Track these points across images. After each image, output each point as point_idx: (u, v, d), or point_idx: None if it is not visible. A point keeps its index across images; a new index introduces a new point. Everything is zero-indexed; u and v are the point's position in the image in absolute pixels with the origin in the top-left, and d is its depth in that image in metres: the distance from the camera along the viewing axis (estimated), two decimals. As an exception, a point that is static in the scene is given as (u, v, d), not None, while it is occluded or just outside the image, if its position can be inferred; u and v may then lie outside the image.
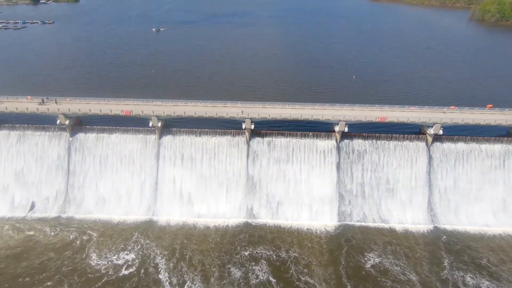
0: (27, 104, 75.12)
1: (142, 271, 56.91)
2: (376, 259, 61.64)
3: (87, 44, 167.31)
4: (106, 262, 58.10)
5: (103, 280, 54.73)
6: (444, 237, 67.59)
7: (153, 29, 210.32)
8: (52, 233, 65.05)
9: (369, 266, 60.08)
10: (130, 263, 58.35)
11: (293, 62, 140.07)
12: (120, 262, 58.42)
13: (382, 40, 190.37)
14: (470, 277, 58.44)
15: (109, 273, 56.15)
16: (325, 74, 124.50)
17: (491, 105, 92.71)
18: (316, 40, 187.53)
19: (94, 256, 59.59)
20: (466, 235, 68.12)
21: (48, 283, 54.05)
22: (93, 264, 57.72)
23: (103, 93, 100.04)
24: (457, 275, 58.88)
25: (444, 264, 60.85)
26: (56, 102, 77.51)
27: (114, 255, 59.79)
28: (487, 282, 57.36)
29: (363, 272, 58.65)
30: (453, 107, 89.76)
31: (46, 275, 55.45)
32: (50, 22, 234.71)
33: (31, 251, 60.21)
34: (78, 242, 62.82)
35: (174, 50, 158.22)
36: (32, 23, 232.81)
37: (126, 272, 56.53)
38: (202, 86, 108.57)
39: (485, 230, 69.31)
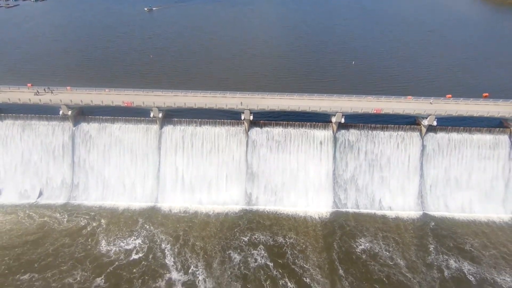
0: (29, 95, 76.15)
1: (150, 256, 60.98)
2: (367, 244, 65.81)
3: (82, 25, 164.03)
4: (115, 248, 62.15)
5: (115, 265, 58.80)
6: (433, 223, 71.57)
7: (145, 9, 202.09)
8: (65, 220, 68.72)
9: (359, 250, 64.30)
10: (137, 248, 62.35)
11: (292, 47, 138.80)
12: (128, 247, 62.46)
13: (383, 21, 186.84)
14: (453, 261, 62.86)
15: (119, 258, 60.22)
16: (324, 60, 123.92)
17: (487, 94, 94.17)
18: (316, 21, 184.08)
19: (103, 242, 63.54)
20: (453, 221, 72.10)
21: (63, 268, 58.09)
22: (103, 249, 61.73)
23: (101, 80, 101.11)
24: (441, 259, 63.28)
25: (430, 249, 65.12)
26: (52, 92, 78.34)
27: (122, 241, 63.76)
28: (468, 266, 61.78)
29: (354, 257, 62.94)
30: (449, 95, 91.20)
31: (61, 260, 59.46)
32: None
33: (46, 237, 63.97)
34: (88, 228, 66.61)
35: (170, 33, 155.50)
36: (24, 0, 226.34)
37: (135, 257, 60.61)
38: (201, 74, 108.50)
39: (472, 216, 73.23)
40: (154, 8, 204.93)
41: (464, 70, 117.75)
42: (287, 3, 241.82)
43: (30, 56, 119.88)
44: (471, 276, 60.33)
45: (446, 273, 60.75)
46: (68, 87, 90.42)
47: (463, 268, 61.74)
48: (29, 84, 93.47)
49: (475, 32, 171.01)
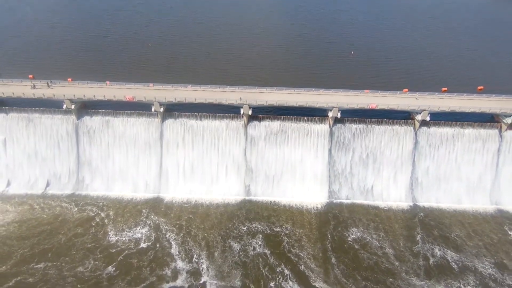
0: (33, 89, 77.43)
1: (157, 245, 64.98)
2: (358, 233, 70.09)
3: (78, 10, 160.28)
4: (123, 238, 66.12)
5: (123, 254, 62.86)
6: (421, 213, 75.72)
7: None
8: (74, 210, 72.21)
9: (351, 240, 68.62)
10: (144, 238, 66.37)
11: (292, 36, 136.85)
12: (135, 236, 66.52)
13: (385, 7, 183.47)
14: (438, 249, 67.43)
15: (128, 247, 64.21)
16: (324, 50, 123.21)
17: (482, 87, 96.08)
18: (317, 6, 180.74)
19: (112, 231, 67.45)
20: (442, 212, 76.22)
21: (75, 256, 62.21)
22: (112, 239, 65.69)
23: (101, 71, 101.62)
24: (427, 248, 67.82)
25: (417, 239, 69.53)
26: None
27: (129, 231, 67.70)
28: (452, 254, 66.38)
29: (345, 246, 67.31)
30: (445, 88, 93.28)
31: (73, 250, 63.45)
32: None
33: (58, 227, 67.59)
34: (97, 219, 70.24)
35: (168, 19, 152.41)
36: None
37: (143, 246, 64.60)
38: (200, 66, 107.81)
39: (459, 207, 77.30)
40: None
41: (463, 62, 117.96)
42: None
43: (28, 46, 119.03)
44: (454, 264, 65.04)
45: (431, 261, 65.38)
46: (69, 79, 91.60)
47: (447, 256, 66.36)
48: (30, 76, 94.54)
49: (476, 19, 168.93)
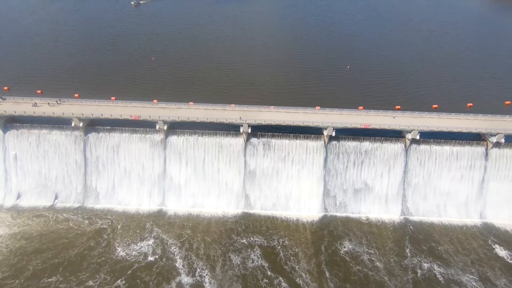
0: (43, 108, 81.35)
1: (163, 259, 68.86)
2: (350, 246, 74.25)
3: (74, 26, 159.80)
4: (130, 251, 70.22)
5: (133, 267, 66.91)
6: (411, 227, 79.93)
7: (132, 3, 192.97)
8: (85, 223, 76.26)
9: (343, 252, 72.77)
10: (150, 252, 70.43)
11: (290, 53, 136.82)
12: (141, 251, 70.57)
13: (385, 20, 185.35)
14: (425, 262, 71.68)
15: (134, 261, 68.21)
16: (321, 65, 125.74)
17: (471, 104, 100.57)
18: (316, 18, 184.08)
19: (120, 245, 71.47)
20: (431, 226, 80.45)
21: (85, 270, 66.11)
22: (120, 252, 69.74)
23: (108, 86, 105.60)
24: (415, 261, 72.03)
25: (406, 251, 73.75)
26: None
27: (136, 245, 71.75)
28: (438, 267, 70.60)
29: (338, 258, 71.46)
30: (436, 105, 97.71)
31: (85, 263, 67.45)
32: None
33: (69, 241, 71.63)
34: (107, 232, 74.23)
35: (166, 32, 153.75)
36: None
37: (150, 260, 68.57)
38: (200, 84, 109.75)
39: (447, 220, 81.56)
40: (141, 2, 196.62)
41: (453, 79, 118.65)
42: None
43: (34, 60, 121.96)
44: (440, 276, 69.27)
45: (419, 274, 69.61)
46: (76, 95, 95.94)
47: (434, 268, 70.61)
48: (38, 91, 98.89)
49: (472, 31, 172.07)
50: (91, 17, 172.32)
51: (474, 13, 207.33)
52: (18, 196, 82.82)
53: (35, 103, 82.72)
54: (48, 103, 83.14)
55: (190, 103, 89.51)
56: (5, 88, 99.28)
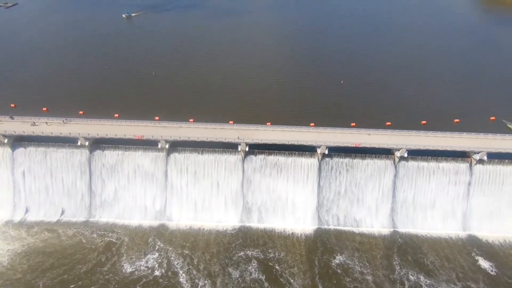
0: (51, 128, 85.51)
1: (163, 273, 73.03)
2: (342, 259, 78.79)
3: (69, 40, 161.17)
4: (135, 265, 74.47)
5: (142, 282, 71.19)
6: (400, 239, 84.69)
7: (123, 15, 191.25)
8: (89, 237, 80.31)
9: (335, 265, 77.31)
10: (154, 266, 74.72)
11: (287, 71, 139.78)
12: (146, 265, 74.86)
13: (380, 32, 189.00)
14: (412, 273, 76.34)
15: (141, 275, 72.48)
16: (315, 80, 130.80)
17: (458, 120, 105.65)
18: (313, 30, 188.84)
19: (127, 259, 75.59)
20: (418, 238, 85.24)
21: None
22: (127, 267, 73.90)
23: (111, 103, 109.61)
24: (403, 272, 76.68)
25: (395, 263, 78.42)
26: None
27: (141, 259, 75.92)
28: (425, 279, 75.29)
29: (330, 271, 75.96)
30: (424, 122, 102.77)
31: (93, 277, 71.48)
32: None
33: (77, 255, 75.56)
34: (115, 246, 78.28)
35: (165, 47, 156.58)
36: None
37: (156, 274, 72.94)
38: (201, 102, 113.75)
39: (434, 233, 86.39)
40: (133, 15, 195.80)
41: (441, 95, 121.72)
42: (286, 7, 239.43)
43: (38, 77, 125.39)
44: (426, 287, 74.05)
45: (406, 286, 74.23)
46: (80, 112, 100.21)
47: (420, 280, 75.31)
48: (44, 108, 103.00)
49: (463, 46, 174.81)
50: (84, 33, 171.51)
51: (466, 25, 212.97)
52: (26, 211, 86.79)
53: (34, 123, 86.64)
54: (34, 122, 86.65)
55: (191, 120, 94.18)
56: (12, 105, 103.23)
